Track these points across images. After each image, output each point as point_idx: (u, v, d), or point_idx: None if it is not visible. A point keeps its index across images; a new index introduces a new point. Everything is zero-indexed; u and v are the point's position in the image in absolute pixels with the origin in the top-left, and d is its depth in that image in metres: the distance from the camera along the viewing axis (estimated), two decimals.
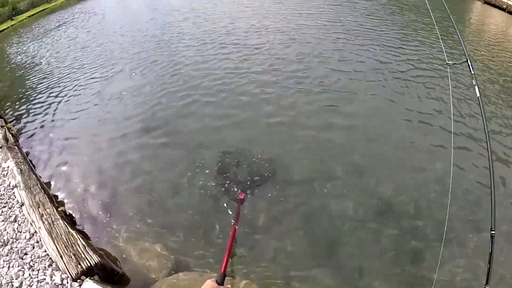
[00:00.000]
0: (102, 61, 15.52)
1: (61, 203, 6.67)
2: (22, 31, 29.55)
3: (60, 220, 5.36)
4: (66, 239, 4.94)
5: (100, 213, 6.44)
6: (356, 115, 9.03)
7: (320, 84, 10.84)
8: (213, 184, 6.76)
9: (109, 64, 14.86)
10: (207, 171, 7.13)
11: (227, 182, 6.59)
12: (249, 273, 5.16)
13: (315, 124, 8.66)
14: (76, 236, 5.02)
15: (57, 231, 5.12)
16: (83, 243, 4.90)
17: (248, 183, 6.50)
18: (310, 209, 6.17)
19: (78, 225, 6.15)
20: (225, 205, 6.19)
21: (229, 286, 2.73)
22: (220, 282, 2.64)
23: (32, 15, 40.25)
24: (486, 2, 36.70)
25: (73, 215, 6.41)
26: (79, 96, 12.06)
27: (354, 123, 8.69)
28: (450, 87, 9.97)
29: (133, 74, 13.08)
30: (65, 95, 12.36)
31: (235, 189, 6.31)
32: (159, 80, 12.10)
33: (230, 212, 5.99)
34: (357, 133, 8.37)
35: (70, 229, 5.18)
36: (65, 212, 6.17)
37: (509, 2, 34.77)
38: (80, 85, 13.05)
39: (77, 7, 35.35)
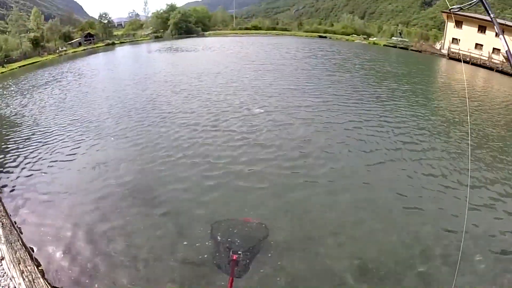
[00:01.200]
0: (87, 122, 15.87)
1: (40, 262, 6.69)
2: (11, 81, 30.02)
3: (41, 279, 5.44)
4: None
5: (81, 274, 6.44)
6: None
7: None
8: (206, 250, 7.00)
9: (93, 125, 15.34)
10: (199, 238, 7.39)
11: (220, 247, 6.81)
12: None
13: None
14: None
15: None
16: None
17: (241, 246, 6.71)
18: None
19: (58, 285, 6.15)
20: (218, 268, 6.39)
21: None
22: None
23: (24, 65, 41.18)
24: (450, 58, 40.31)
25: (52, 275, 6.41)
26: (63, 155, 12.30)
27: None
28: None
29: (118, 140, 13.50)
30: (50, 153, 12.59)
31: (228, 252, 6.44)
32: (143, 147, 12.61)
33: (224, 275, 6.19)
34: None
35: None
36: (43, 271, 6.19)
37: (471, 54, 38.34)
38: (65, 144, 13.32)
39: (66, 66, 36.16)
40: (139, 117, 15.93)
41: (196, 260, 6.79)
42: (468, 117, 16.20)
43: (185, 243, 7.32)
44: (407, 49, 47.63)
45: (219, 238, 7.02)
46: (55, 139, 14.03)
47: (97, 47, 50.82)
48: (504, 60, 36.42)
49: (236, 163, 10.92)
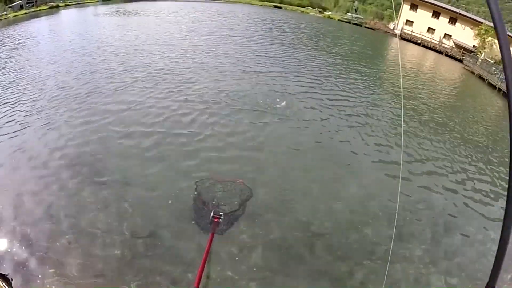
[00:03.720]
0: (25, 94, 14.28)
1: None
2: None
3: None
4: None
5: (26, 259, 5.84)
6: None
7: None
8: (189, 209, 6.93)
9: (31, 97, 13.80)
10: (183, 198, 7.27)
11: (203, 206, 6.78)
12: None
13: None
14: None
15: None
16: None
17: (223, 206, 6.73)
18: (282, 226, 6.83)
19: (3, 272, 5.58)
20: (199, 227, 6.42)
21: None
22: None
23: None
24: (402, 38, 41.99)
25: (8, 274, 5.80)
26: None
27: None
28: None
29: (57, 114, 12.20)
30: None
31: (210, 213, 6.39)
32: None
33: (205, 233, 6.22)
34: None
35: None
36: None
37: (423, 37, 40.25)
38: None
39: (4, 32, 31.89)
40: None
41: (178, 217, 6.78)
42: (402, 89, 17.37)
43: (169, 201, 7.21)
44: (361, 25, 48.59)
45: (202, 197, 6.98)
46: None
47: (40, 10, 45.80)
48: (454, 46, 38.78)
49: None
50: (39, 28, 29.97)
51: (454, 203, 8.56)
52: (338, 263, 6.28)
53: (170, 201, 7.24)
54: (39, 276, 5.49)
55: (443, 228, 7.56)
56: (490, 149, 12.54)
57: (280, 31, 32.00)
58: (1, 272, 5.45)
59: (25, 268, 5.60)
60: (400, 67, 20.90)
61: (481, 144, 12.89)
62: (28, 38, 24.65)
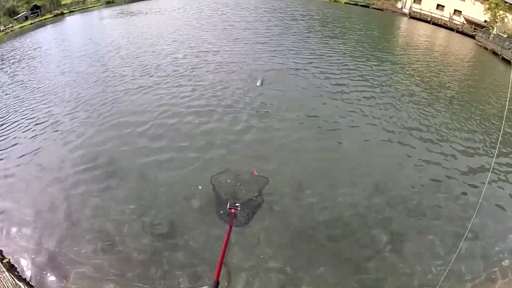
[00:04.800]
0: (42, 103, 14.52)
1: (5, 255, 6.20)
2: None
3: (6, 273, 5.06)
4: None
5: (47, 262, 6.07)
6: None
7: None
8: (206, 201, 7.17)
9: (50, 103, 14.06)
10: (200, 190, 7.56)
11: (221, 199, 6.81)
12: (243, 281, 5.53)
13: None
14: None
15: (4, 284, 4.83)
16: None
17: (240, 198, 6.74)
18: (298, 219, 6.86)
19: (25, 277, 5.74)
20: (219, 218, 6.49)
21: None
22: None
23: None
24: (412, 17, 40.87)
25: (18, 267, 5.99)
26: (21, 138, 11.26)
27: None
28: None
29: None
30: (6, 138, 11.48)
31: (227, 205, 6.41)
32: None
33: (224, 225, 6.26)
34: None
35: (17, 281, 4.91)
36: (11, 264, 5.76)
37: (432, 14, 39.08)
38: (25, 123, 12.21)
39: (12, 44, 31.60)
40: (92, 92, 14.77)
41: (197, 211, 7.07)
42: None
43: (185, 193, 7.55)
44: (368, 7, 47.22)
45: (219, 189, 7.05)
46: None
47: (45, 19, 46.38)
48: (465, 22, 37.56)
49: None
50: (46, 37, 30.37)
51: None
52: None
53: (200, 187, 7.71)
54: (62, 274, 5.67)
55: None
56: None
57: (294, 20, 31.07)
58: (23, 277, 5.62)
59: (47, 272, 5.77)
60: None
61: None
62: (35, 49, 24.95)
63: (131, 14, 37.92)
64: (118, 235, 6.55)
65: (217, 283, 2.95)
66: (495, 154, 8.43)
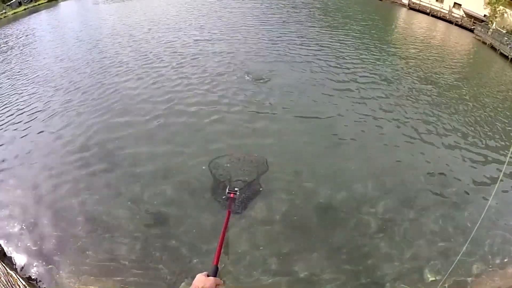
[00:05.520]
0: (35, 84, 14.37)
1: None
2: None
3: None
4: (5, 281, 4.63)
5: (39, 251, 6.08)
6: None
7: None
8: (206, 186, 7.14)
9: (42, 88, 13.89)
10: (197, 173, 7.58)
11: (219, 184, 6.71)
12: (241, 267, 5.64)
13: None
14: (16, 277, 4.73)
15: None
16: (24, 283, 4.63)
17: (238, 182, 6.66)
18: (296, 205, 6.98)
19: (16, 266, 5.73)
20: (217, 202, 6.55)
21: (220, 280, 2.46)
22: (213, 275, 2.47)
23: None
24: (411, 8, 40.58)
25: (11, 255, 5.97)
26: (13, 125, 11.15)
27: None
28: None
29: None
30: None
31: (226, 190, 6.28)
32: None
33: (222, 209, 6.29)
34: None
35: (8, 270, 4.87)
36: (3, 253, 5.72)
37: (432, 6, 38.82)
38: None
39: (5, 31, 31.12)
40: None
41: (197, 194, 7.12)
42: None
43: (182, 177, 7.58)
44: None
45: (218, 173, 6.94)
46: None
47: (39, 4, 45.47)
48: (464, 15, 37.36)
49: None
50: (40, 23, 29.78)
51: None
52: None
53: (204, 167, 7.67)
54: (53, 263, 5.65)
55: None
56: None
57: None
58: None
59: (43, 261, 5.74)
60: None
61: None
62: (28, 35, 24.45)
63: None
64: (111, 221, 6.53)
65: (217, 268, 2.90)
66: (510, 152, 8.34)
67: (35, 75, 15.72)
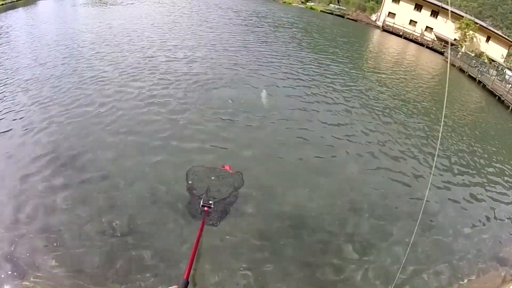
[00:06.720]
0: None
1: None
2: None
3: None
4: None
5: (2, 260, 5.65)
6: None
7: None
8: (179, 199, 7.05)
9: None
10: (172, 187, 7.44)
11: (194, 196, 6.62)
12: (213, 280, 5.56)
13: None
14: None
15: None
16: None
17: (214, 195, 6.57)
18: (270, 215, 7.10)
19: None
20: (190, 215, 6.49)
21: None
22: None
23: None
24: (384, 30, 42.52)
25: None
26: None
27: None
28: None
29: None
30: None
31: (201, 203, 6.19)
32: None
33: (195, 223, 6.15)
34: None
35: None
36: None
37: (405, 29, 40.83)
38: None
39: None
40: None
41: (170, 205, 7.00)
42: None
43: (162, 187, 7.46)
44: (343, 17, 48.76)
45: (193, 186, 6.82)
46: None
47: (17, 1, 44.29)
48: (435, 39, 39.52)
49: None
50: (17, 21, 28.89)
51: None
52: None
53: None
54: (18, 273, 5.37)
55: None
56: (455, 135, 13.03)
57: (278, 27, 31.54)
58: None
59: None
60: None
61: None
62: (6, 32, 23.72)
63: (107, 3, 36.70)
64: (77, 232, 6.17)
65: (187, 282, 2.91)
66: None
67: (5, 77, 15.16)
